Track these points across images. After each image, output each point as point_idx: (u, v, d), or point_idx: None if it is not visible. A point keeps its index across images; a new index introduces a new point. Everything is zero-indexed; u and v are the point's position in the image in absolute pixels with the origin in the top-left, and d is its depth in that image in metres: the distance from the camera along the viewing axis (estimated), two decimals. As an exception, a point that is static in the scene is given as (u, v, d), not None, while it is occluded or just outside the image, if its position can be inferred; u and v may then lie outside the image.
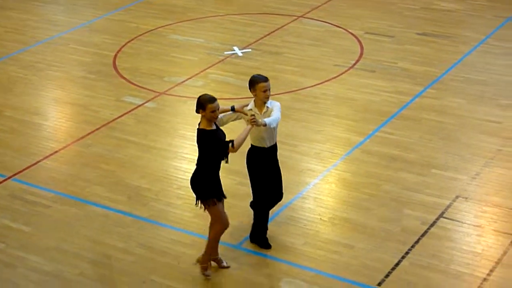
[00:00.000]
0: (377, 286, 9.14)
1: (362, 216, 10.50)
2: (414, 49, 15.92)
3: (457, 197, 10.84)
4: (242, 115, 9.27)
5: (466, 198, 10.83)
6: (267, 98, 9.22)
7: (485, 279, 9.21)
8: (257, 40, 16.74)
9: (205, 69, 15.43)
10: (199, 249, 9.90)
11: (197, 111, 8.92)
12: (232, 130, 9.82)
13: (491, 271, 9.35)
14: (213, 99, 8.84)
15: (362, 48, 16.07)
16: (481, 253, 9.70)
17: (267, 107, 9.24)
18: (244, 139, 8.90)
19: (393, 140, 12.41)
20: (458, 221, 10.35)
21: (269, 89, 9.19)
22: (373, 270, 9.39)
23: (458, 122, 12.98)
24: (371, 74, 14.89)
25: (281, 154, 11.98)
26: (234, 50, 16.29)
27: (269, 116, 9.16)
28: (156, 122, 13.41)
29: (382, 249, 9.80)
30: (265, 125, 8.97)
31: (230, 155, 8.97)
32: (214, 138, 8.87)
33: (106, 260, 9.84)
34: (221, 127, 9.17)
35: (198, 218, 10.55)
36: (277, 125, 9.22)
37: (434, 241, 9.93)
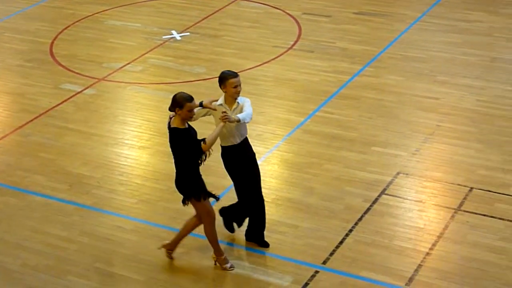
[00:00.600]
0: (322, 265, 9.20)
1: (305, 195, 10.55)
2: (352, 29, 16.01)
3: (398, 173, 10.96)
4: (211, 111, 9.00)
5: (407, 174, 10.96)
6: (238, 94, 8.96)
7: (427, 253, 9.34)
8: (195, 24, 16.66)
9: (143, 54, 15.32)
10: (143, 235, 9.87)
11: (172, 109, 8.56)
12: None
13: (434, 245, 9.48)
14: (191, 98, 8.52)
15: (300, 28, 16.11)
16: (423, 228, 9.83)
17: (238, 103, 9.00)
18: (217, 136, 8.69)
19: (334, 119, 12.48)
20: (399, 197, 10.46)
21: (240, 85, 8.94)
22: (318, 249, 9.45)
23: (397, 99, 13.11)
24: (310, 55, 14.94)
25: (222, 137, 12.02)
26: (173, 34, 16.19)
27: (240, 112, 8.95)
28: (95, 108, 13.28)
29: (326, 228, 9.87)
30: (238, 121, 8.73)
31: (209, 157, 8.87)
32: (188, 136, 8.61)
33: (49, 249, 9.73)
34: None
35: (141, 204, 10.51)
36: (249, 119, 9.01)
37: (377, 217, 10.03)
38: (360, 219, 9.99)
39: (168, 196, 10.64)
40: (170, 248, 9.37)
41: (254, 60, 14.83)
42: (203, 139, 8.63)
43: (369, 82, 13.72)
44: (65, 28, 16.76)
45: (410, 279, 8.91)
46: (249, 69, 14.46)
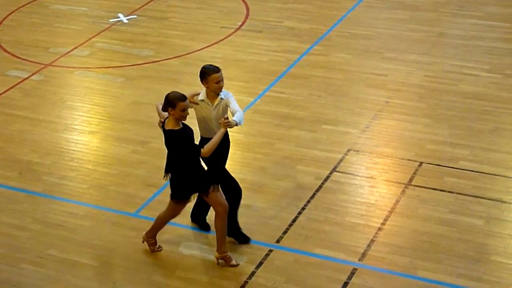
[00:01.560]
0: (275, 244, 9.24)
1: (258, 175, 10.58)
2: (299, 7, 16.03)
3: (348, 150, 11.04)
4: (194, 105, 8.74)
5: (358, 151, 11.05)
6: (221, 89, 8.71)
7: (379, 228, 9.44)
8: (142, 6, 16.55)
9: (90, 38, 15.18)
10: (96, 220, 9.82)
11: (165, 110, 8.31)
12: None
13: (385, 220, 9.59)
14: (184, 97, 8.23)
15: (247, 9, 16.09)
16: (375, 203, 9.93)
17: (221, 98, 8.76)
18: (217, 143, 8.41)
19: (284, 98, 12.51)
20: (351, 174, 10.55)
21: (222, 80, 8.67)
22: (271, 228, 9.50)
23: (345, 77, 13.19)
24: (258, 35, 14.94)
25: (173, 120, 11.98)
26: (119, 17, 16.07)
27: (224, 107, 8.75)
28: (43, 94, 13.14)
29: (279, 207, 9.91)
30: (237, 124, 8.48)
31: None
32: (185, 137, 8.31)
33: (1, 238, 9.63)
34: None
35: (93, 189, 10.45)
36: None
37: (329, 195, 10.10)
38: (312, 197, 10.06)
39: (120, 180, 10.60)
40: (150, 236, 9.22)
41: (202, 41, 14.79)
42: (200, 146, 8.47)
43: (318, 60, 13.78)
44: (9, 14, 16.54)
45: (363, 254, 9.01)
46: (197, 50, 14.42)
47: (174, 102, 8.21)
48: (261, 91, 12.79)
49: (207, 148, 8.38)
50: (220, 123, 8.43)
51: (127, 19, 15.98)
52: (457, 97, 12.38)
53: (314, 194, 10.10)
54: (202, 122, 8.92)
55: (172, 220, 9.69)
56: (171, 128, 8.34)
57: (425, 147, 11.03)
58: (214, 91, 8.71)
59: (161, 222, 9.12)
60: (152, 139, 11.51)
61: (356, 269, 8.81)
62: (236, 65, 13.83)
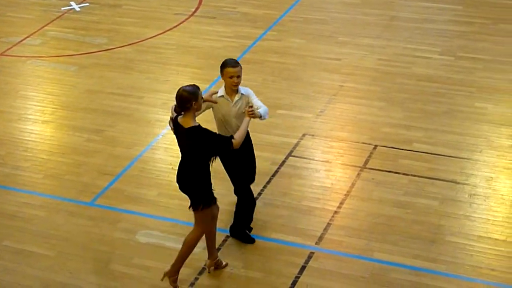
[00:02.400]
0: (233, 229, 9.26)
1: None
2: (253, -7, 16.04)
3: (304, 135, 11.08)
4: (212, 103, 8.35)
5: (313, 135, 11.09)
6: (235, 85, 8.28)
7: (336, 212, 9.49)
8: (94, -6, 16.43)
9: (43, 27, 15.02)
10: (51, 210, 9.74)
11: (184, 106, 7.61)
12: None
13: (341, 203, 9.64)
14: (197, 86, 7.71)
15: (201, -5, 16.05)
16: (331, 187, 9.98)
17: (242, 94, 8.39)
18: (245, 133, 7.93)
19: (238, 84, 12.49)
20: (306, 158, 10.59)
21: (239, 76, 8.22)
22: (228, 214, 9.46)
23: (299, 62, 13.22)
24: (212, 21, 14.91)
25: (127, 107, 11.96)
26: (72, 5, 15.91)
27: (244, 105, 8.37)
28: (-5, 84, 13.01)
29: (235, 193, 9.92)
30: (260, 117, 8.24)
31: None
32: (210, 132, 7.69)
33: (-46, 230, 9.54)
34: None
35: (48, 179, 10.36)
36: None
37: (285, 179, 10.13)
38: (268, 182, 10.07)
39: (75, 169, 10.53)
40: (172, 274, 8.39)
41: (156, 28, 14.72)
42: (231, 136, 7.89)
43: (272, 46, 13.79)
44: (-41, 3, 16.31)
45: (320, 238, 9.06)
46: (151, 37, 14.35)
47: (195, 94, 7.60)
48: (216, 78, 12.75)
49: (238, 138, 7.84)
50: (244, 112, 8.14)
51: (79, 7, 15.83)
52: (410, 80, 12.48)
53: (270, 179, 10.12)
54: (221, 122, 8.51)
55: (129, 208, 9.69)
56: (192, 125, 7.67)
57: (380, 130, 11.11)
58: (228, 87, 8.34)
59: (192, 245, 8.28)
60: (106, 127, 11.45)
61: (313, 252, 8.85)
62: (190, 51, 13.78)
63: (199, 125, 7.69)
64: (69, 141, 11.22)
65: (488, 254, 8.72)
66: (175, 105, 7.75)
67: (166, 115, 11.65)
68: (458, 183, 9.94)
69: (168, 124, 8.21)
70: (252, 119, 8.12)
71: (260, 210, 9.54)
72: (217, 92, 8.42)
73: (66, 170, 10.55)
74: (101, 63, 13.52)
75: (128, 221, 9.50)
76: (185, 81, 12.56)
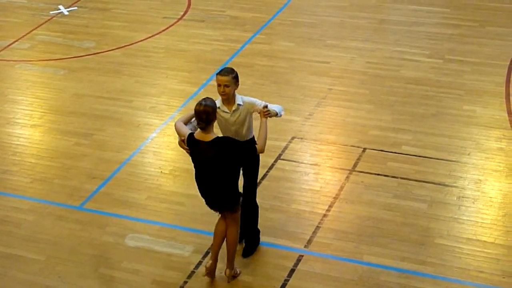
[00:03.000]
0: (222, 233, 9.24)
1: (202, 165, 10.56)
2: (241, -4, 16.06)
3: (293, 138, 11.09)
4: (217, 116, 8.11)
5: (302, 138, 11.10)
6: (222, 94, 8.05)
7: (325, 215, 9.50)
8: (83, -3, 16.41)
9: (31, 31, 14.99)
10: (39, 214, 9.71)
11: (210, 119, 7.69)
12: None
13: (330, 206, 9.65)
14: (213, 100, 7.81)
15: (189, -2, 16.06)
16: (320, 190, 9.98)
17: (239, 105, 8.17)
18: (266, 135, 7.98)
19: (227, 87, 12.48)
20: (295, 161, 10.59)
21: (227, 86, 7.98)
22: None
23: (289, 65, 13.23)
24: (201, 24, 14.91)
25: (116, 111, 11.95)
26: (60, 9, 15.89)
27: (243, 115, 8.21)
28: (-16, 89, 12.98)
29: (224, 196, 9.91)
30: (277, 115, 8.21)
31: None
32: (235, 140, 7.84)
33: None
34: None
35: (37, 183, 10.34)
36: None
37: (274, 183, 10.13)
38: (257, 185, 10.05)
39: (63, 173, 10.51)
40: (231, 269, 8.53)
41: (145, 32, 14.71)
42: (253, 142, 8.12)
43: (261, 49, 13.80)
44: None
45: (309, 241, 9.06)
46: (140, 41, 14.34)
47: (215, 105, 7.76)
48: (204, 81, 12.77)
49: (260, 143, 7.90)
50: (259, 113, 8.08)
51: (67, 11, 15.81)
52: (399, 83, 12.50)
53: (259, 182, 10.11)
54: (228, 131, 8.30)
55: (118, 212, 9.69)
56: (216, 136, 7.78)
57: (368, 133, 11.13)
58: (220, 95, 8.13)
59: (235, 242, 8.41)
60: (95, 131, 11.43)
61: (302, 255, 8.86)
62: (179, 55, 13.78)
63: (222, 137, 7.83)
64: (58, 145, 11.20)
65: (476, 256, 8.74)
66: (192, 123, 8.01)
67: (156, 119, 11.69)
68: (447, 185, 9.97)
69: (180, 144, 8.06)
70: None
71: (249, 214, 9.54)
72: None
73: (54, 174, 10.53)
74: (89, 66, 13.50)
75: (117, 225, 9.48)
76: (174, 85, 12.68)
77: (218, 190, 7.98)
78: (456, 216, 9.39)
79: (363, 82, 12.58)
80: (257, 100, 8.32)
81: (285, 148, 10.85)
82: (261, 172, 10.27)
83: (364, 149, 10.76)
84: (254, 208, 8.82)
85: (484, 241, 8.97)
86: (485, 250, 8.83)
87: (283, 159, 10.61)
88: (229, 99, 8.15)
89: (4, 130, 11.70)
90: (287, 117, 11.55)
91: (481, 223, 9.28)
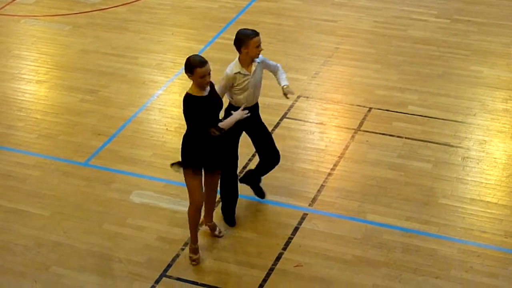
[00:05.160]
0: (226, 190, 9.26)
1: (208, 123, 10.55)
2: (249, -47, 15.91)
3: (298, 97, 11.06)
4: (236, 81, 8.19)
5: (308, 97, 11.07)
6: (259, 54, 8.17)
7: (329, 174, 9.51)
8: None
9: (36, -14, 14.91)
10: (44, 170, 9.74)
11: (186, 73, 7.67)
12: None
13: (335, 165, 9.66)
14: (202, 63, 7.51)
15: (196, -45, 15.92)
16: (325, 149, 9.99)
17: (257, 62, 8.22)
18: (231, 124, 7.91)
19: (233, 45, 12.41)
20: (301, 120, 10.58)
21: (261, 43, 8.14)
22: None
23: (295, 23, 13.16)
24: (208, -19, 14.82)
25: (122, 68, 11.92)
26: (66, -36, 15.76)
27: (260, 71, 8.28)
28: (-11, 44, 12.94)
29: (229, 154, 9.91)
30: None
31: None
32: (200, 106, 7.61)
33: None
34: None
35: (42, 139, 10.35)
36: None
37: (279, 141, 10.06)
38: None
39: (69, 129, 10.52)
40: (208, 221, 8.61)
41: (151, -12, 14.63)
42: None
43: (268, 7, 13.71)
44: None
45: (313, 200, 9.09)
46: (146, -3, 14.27)
47: (192, 68, 7.55)
48: (211, 38, 12.71)
49: (224, 126, 7.79)
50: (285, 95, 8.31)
51: (73, -34, 15.69)
52: (406, 43, 12.44)
53: (264, 141, 10.12)
54: (243, 92, 8.24)
55: (123, 168, 9.71)
56: (189, 92, 7.66)
57: (374, 93, 11.10)
58: (253, 57, 8.11)
59: (189, 217, 8.24)
60: (100, 88, 11.42)
61: (307, 214, 8.89)
62: (185, 12, 13.71)
63: (199, 96, 7.64)
64: (63, 101, 11.19)
65: (480, 217, 8.77)
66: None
67: (161, 76, 11.67)
68: (452, 146, 9.96)
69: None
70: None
71: (254, 172, 9.56)
72: (230, 71, 8.20)
73: (60, 130, 10.54)
74: (95, 22, 13.44)
75: (122, 181, 9.51)
76: (180, 42, 12.64)
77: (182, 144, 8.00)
78: (460, 177, 9.40)
79: (370, 41, 12.52)
80: (264, 57, 8.41)
81: (291, 106, 10.83)
82: (266, 130, 10.29)
83: (370, 108, 10.74)
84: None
85: (488, 202, 8.99)
86: (488, 211, 8.86)
87: (288, 118, 10.60)
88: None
89: (9, 85, 11.69)
90: (293, 76, 11.52)
91: (485, 183, 9.29)
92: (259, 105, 8.53)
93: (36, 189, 9.44)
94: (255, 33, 8.10)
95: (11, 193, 9.39)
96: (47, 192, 9.38)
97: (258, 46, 8.10)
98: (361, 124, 10.41)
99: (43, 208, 9.11)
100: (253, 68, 8.20)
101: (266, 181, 9.33)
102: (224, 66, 11.67)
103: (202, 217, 8.49)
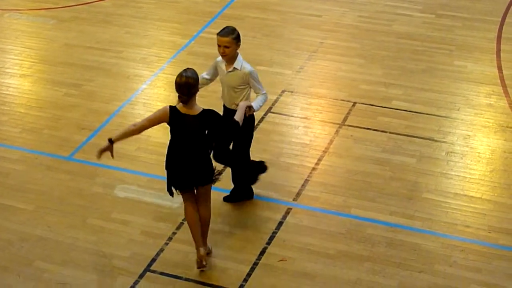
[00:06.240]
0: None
1: (192, 117, 10.55)
2: None
3: (283, 91, 11.07)
4: (218, 72, 8.27)
5: (292, 92, 11.08)
6: (222, 55, 8.01)
7: (313, 168, 9.52)
8: None
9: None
10: (28, 164, 9.71)
11: (192, 92, 7.42)
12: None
13: (319, 160, 9.68)
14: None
15: (181, -51, 15.88)
16: (309, 143, 10.00)
17: (235, 68, 8.08)
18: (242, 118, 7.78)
19: (218, 40, 12.43)
20: (285, 114, 10.59)
21: (226, 47, 7.93)
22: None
23: (280, 18, 13.17)
24: (192, -25, 14.79)
25: (106, 62, 11.90)
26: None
27: (239, 78, 8.11)
28: (-27, 37, 12.88)
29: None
30: (255, 110, 8.12)
31: None
32: (222, 118, 7.74)
33: None
34: None
35: (26, 133, 10.32)
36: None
37: (264, 136, 10.13)
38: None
39: (53, 124, 10.49)
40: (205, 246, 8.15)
41: (136, -18, 14.59)
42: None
43: (252, 1, 13.71)
44: None
45: (298, 194, 9.10)
46: (130, -9, 14.23)
47: (197, 77, 7.52)
48: (195, 33, 12.70)
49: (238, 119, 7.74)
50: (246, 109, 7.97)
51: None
52: (390, 37, 12.47)
53: (249, 135, 10.12)
54: (222, 84, 8.33)
55: (107, 162, 9.66)
56: (203, 108, 7.52)
57: (359, 87, 11.12)
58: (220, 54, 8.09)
59: (209, 218, 8.15)
60: (85, 82, 11.39)
61: (291, 208, 8.90)
62: (170, 6, 13.69)
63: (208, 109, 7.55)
64: (47, 95, 11.15)
65: (463, 211, 8.81)
66: (181, 96, 7.49)
67: (146, 70, 11.67)
68: (436, 140, 10.00)
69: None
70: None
71: (238, 166, 9.56)
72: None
73: (44, 124, 10.50)
74: (80, 16, 13.40)
75: (106, 175, 9.49)
76: (165, 36, 12.62)
77: (199, 164, 7.67)
78: (444, 171, 9.44)
79: (355, 36, 12.54)
80: (256, 74, 8.18)
81: (275, 101, 10.84)
82: (251, 125, 10.29)
83: (354, 103, 10.76)
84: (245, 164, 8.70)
85: (472, 196, 9.03)
86: (472, 205, 8.89)
87: (273, 112, 10.61)
88: (229, 60, 8.11)
89: (-7, 79, 11.66)
90: (277, 70, 11.55)
91: (469, 178, 9.33)
92: None
93: (19, 183, 9.41)
94: (220, 32, 8.01)
95: (-5, 187, 9.37)
96: (31, 186, 9.35)
97: (219, 46, 7.98)
98: (345, 119, 10.43)
99: (27, 203, 9.08)
100: (229, 69, 8.13)
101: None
102: (208, 60, 11.74)
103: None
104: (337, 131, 10.20)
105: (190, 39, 12.51)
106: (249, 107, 7.98)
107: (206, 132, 7.55)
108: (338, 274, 8.00)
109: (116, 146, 9.91)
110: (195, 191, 7.94)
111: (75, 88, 11.27)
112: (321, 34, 12.61)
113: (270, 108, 10.67)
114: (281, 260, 8.19)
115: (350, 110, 10.62)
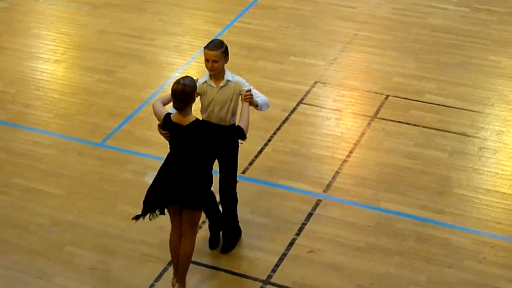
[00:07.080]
0: (241, 174, 9.25)
1: (224, 106, 10.55)
2: None
3: (315, 82, 11.04)
4: (200, 92, 7.53)
5: (325, 83, 11.05)
6: (210, 70, 7.42)
7: (344, 160, 9.50)
8: None
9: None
10: (61, 150, 9.77)
11: (188, 100, 6.95)
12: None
13: (350, 152, 9.65)
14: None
15: None
16: (341, 135, 9.97)
17: (228, 80, 7.54)
18: (248, 121, 7.31)
19: (252, 29, 12.43)
20: (317, 106, 10.57)
21: (215, 61, 7.36)
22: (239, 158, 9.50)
23: (314, 8, 13.12)
24: (227, -36, 14.78)
25: (139, 49, 11.93)
26: None
27: (233, 93, 7.55)
28: (8, 22, 12.93)
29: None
30: (257, 106, 7.58)
31: None
32: (217, 127, 7.36)
33: (-35, 166, 9.59)
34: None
35: (59, 118, 10.38)
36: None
37: (295, 127, 10.12)
38: (278, 128, 10.07)
39: (85, 110, 10.54)
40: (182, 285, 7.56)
41: (170, -30, 14.60)
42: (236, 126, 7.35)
43: (287, -9, 13.69)
44: None
45: (328, 186, 9.08)
46: (165, -21, 14.24)
47: (193, 87, 7.00)
48: (229, 22, 12.69)
49: (244, 127, 7.26)
50: (241, 95, 7.53)
51: None
52: (425, 30, 12.39)
53: (280, 126, 10.12)
54: (209, 109, 7.64)
55: (139, 149, 9.72)
56: (194, 119, 7.06)
57: (392, 80, 11.07)
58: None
59: (189, 255, 7.50)
60: (118, 69, 11.43)
61: (321, 200, 8.88)
62: (204, -6, 13.72)
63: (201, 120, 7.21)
64: (80, 81, 11.21)
65: (495, 208, 8.74)
66: (176, 102, 7.01)
67: (179, 58, 11.68)
68: (468, 136, 9.93)
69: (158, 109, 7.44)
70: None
71: (269, 156, 9.56)
72: (198, 79, 7.49)
73: (76, 110, 10.56)
74: (114, 3, 13.44)
75: (137, 162, 9.53)
76: (198, 25, 12.64)
77: (188, 180, 7.13)
78: (476, 167, 9.37)
79: (389, 28, 12.47)
80: (246, 83, 7.67)
81: (308, 92, 10.81)
82: (283, 115, 10.30)
83: (387, 96, 10.71)
84: (234, 200, 8.17)
85: (503, 193, 8.96)
86: (504, 202, 8.83)
87: (305, 103, 10.58)
88: (217, 75, 7.55)
89: (27, 64, 11.71)
90: (310, 61, 11.52)
91: (501, 174, 9.26)
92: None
93: (52, 168, 9.48)
94: (209, 46, 7.43)
95: (27, 171, 9.42)
96: (63, 172, 9.41)
97: (207, 60, 7.43)
98: (377, 112, 10.39)
99: (59, 188, 9.14)
100: (221, 84, 7.55)
101: (280, 165, 9.35)
102: (242, 50, 11.79)
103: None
104: (369, 124, 10.16)
105: (223, 28, 12.50)
106: (249, 91, 7.50)
107: (199, 145, 7.07)
108: (367, 267, 7.98)
109: (147, 133, 10.04)
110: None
111: (107, 75, 11.32)
112: (355, 25, 12.55)
113: (302, 99, 10.65)
114: (309, 252, 8.19)
115: (383, 103, 10.57)
